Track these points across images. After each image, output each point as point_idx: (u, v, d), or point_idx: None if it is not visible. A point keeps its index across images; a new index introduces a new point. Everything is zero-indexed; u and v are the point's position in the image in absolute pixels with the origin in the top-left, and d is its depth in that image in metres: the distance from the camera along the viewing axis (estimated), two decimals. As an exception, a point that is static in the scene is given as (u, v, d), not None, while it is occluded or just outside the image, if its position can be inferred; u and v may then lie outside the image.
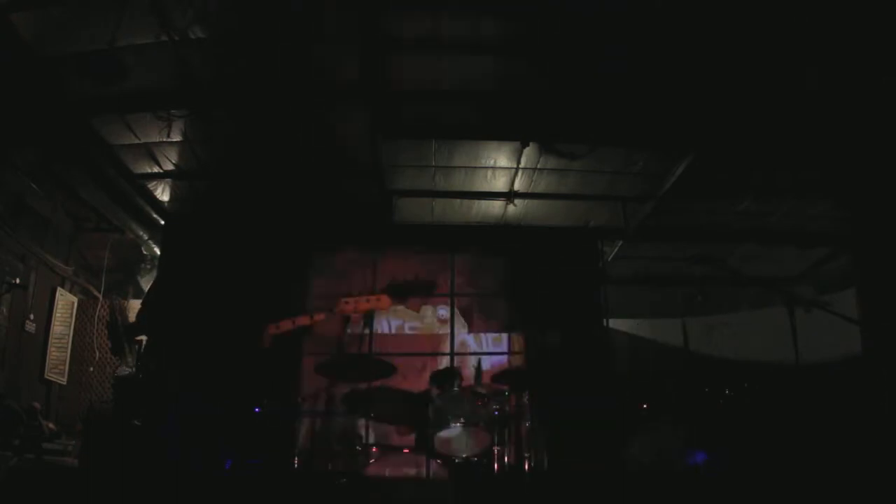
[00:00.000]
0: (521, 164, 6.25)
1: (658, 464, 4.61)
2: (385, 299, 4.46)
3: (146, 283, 8.15)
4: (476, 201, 6.99)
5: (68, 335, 7.60)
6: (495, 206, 7.06)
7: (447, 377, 5.20)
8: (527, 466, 4.55)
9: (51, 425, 6.11)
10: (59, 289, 7.51)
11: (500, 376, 5.17)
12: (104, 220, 7.22)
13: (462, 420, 4.65)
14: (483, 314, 7.51)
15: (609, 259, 7.80)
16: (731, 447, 5.02)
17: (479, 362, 5.56)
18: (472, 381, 5.30)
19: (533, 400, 5.05)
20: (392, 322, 7.55)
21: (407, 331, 7.57)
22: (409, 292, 7.11)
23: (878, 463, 4.50)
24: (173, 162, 6.23)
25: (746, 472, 4.53)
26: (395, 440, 5.06)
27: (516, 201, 6.90)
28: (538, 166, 6.28)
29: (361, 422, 4.96)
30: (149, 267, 8.14)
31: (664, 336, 8.18)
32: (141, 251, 7.95)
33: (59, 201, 7.00)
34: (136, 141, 5.85)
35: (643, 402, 5.98)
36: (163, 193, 6.89)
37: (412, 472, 4.30)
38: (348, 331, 4.71)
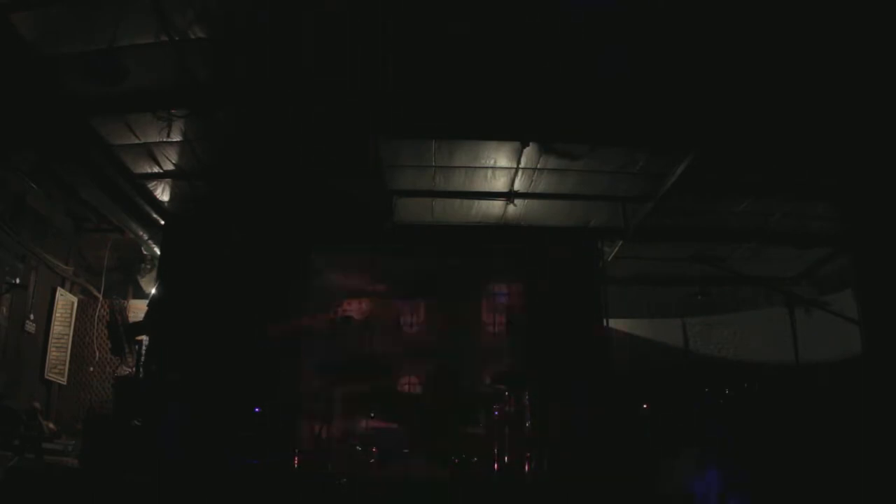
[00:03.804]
0: (521, 164, 6.25)
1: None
2: (388, 300, 4.47)
3: (146, 283, 8.16)
4: (476, 201, 6.98)
5: (68, 335, 7.60)
6: (495, 206, 7.05)
7: (448, 376, 5.21)
8: (526, 466, 4.55)
9: (51, 425, 6.12)
10: (59, 289, 7.52)
11: (500, 376, 5.18)
12: (104, 220, 7.23)
13: (462, 420, 4.65)
14: (483, 314, 7.50)
15: (609, 259, 7.79)
16: (731, 447, 5.02)
17: (479, 362, 5.56)
18: (471, 381, 5.30)
19: (533, 400, 5.05)
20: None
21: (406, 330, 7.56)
22: (411, 292, 7.12)
23: (878, 462, 4.50)
24: (173, 162, 6.23)
25: (747, 472, 4.53)
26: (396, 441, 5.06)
27: (516, 201, 6.90)
28: (538, 166, 6.27)
29: (361, 422, 4.97)
30: (149, 267, 8.14)
31: (664, 336, 8.18)
32: (141, 251, 7.95)
33: (59, 201, 7.00)
34: (136, 141, 5.85)
35: (643, 402, 5.98)
36: (163, 193, 6.89)
37: (412, 472, 4.30)
38: (349, 330, 4.71)
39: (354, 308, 4.41)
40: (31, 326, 6.96)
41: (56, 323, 7.46)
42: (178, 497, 4.11)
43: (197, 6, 4.35)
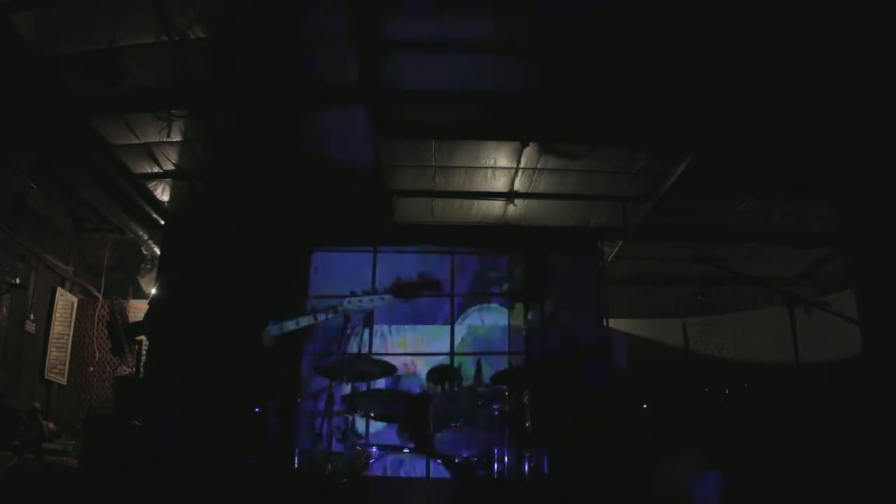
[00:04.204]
0: (521, 164, 6.25)
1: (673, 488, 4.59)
2: (389, 299, 4.46)
3: (146, 283, 8.15)
4: (476, 201, 6.99)
5: (68, 335, 7.60)
6: (495, 206, 7.06)
7: (447, 375, 5.20)
8: (526, 467, 4.54)
9: (51, 425, 6.12)
10: (59, 289, 7.51)
11: (500, 376, 5.17)
12: (104, 220, 7.23)
13: (462, 420, 4.65)
14: (483, 314, 7.50)
15: (609, 259, 7.80)
16: (731, 447, 5.02)
17: (479, 362, 5.55)
18: (471, 381, 5.29)
19: (533, 400, 5.05)
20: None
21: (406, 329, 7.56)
22: (413, 292, 7.12)
23: (878, 463, 4.50)
24: (173, 162, 6.23)
25: (746, 472, 4.53)
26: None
27: (516, 201, 6.91)
28: (538, 166, 6.28)
29: (361, 422, 4.96)
30: (149, 267, 8.14)
31: (664, 336, 8.18)
32: (141, 251, 7.95)
33: (59, 201, 7.00)
34: (136, 141, 5.85)
35: (643, 402, 5.98)
36: (163, 193, 6.89)
37: (412, 472, 4.29)
38: (349, 330, 4.70)
39: (354, 308, 4.39)
40: (31, 326, 6.96)
41: (56, 323, 7.46)
42: (178, 497, 4.11)
43: (197, 6, 4.35)
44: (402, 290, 6.44)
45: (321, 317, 4.25)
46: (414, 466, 4.17)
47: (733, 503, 4.31)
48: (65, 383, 7.52)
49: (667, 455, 4.85)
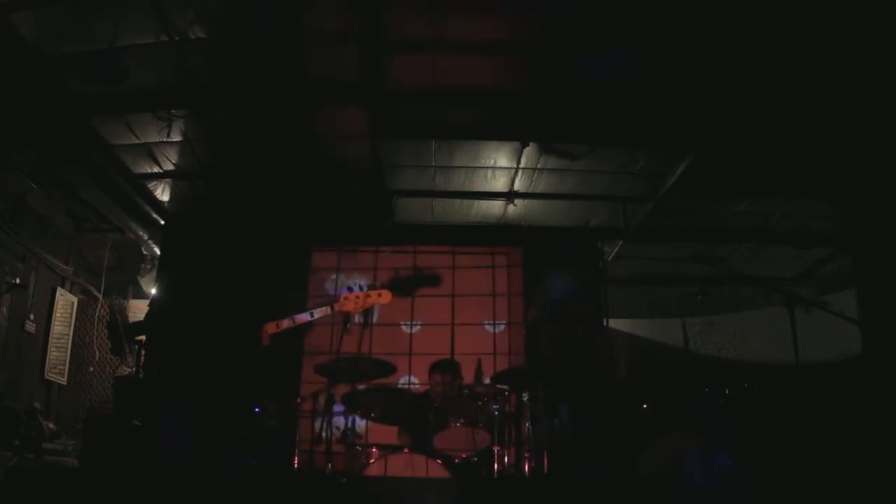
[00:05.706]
0: (521, 164, 6.25)
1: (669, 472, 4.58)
2: (387, 294, 4.45)
3: (146, 283, 8.16)
4: (476, 201, 6.99)
5: (68, 335, 7.61)
6: (495, 206, 7.06)
7: (448, 368, 5.21)
8: (527, 467, 4.54)
9: (51, 425, 6.12)
10: (59, 289, 7.52)
11: (500, 376, 5.17)
12: (104, 220, 7.23)
13: (462, 420, 4.64)
14: (483, 314, 7.50)
15: (609, 259, 7.79)
16: (730, 448, 5.02)
17: (479, 362, 5.55)
18: (471, 381, 5.29)
19: (533, 400, 5.05)
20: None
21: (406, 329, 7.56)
22: (411, 286, 7.12)
23: (878, 463, 4.50)
24: (173, 162, 6.23)
25: (746, 472, 4.53)
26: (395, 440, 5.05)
27: (516, 201, 6.90)
28: (538, 166, 6.27)
29: (361, 422, 4.96)
30: (149, 267, 8.15)
31: (664, 336, 8.19)
32: (141, 251, 7.95)
33: (59, 201, 7.00)
34: (136, 141, 5.84)
35: (643, 402, 5.98)
36: (163, 193, 6.89)
37: (412, 472, 4.29)
38: (348, 329, 4.70)
39: (355, 307, 4.40)
40: (31, 326, 6.96)
41: (56, 323, 7.46)
42: (178, 497, 4.11)
43: (197, 6, 4.35)
44: (399, 286, 6.44)
45: (317, 313, 4.24)
46: (414, 466, 4.17)
47: (733, 501, 4.32)
48: (65, 383, 7.53)
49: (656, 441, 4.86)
